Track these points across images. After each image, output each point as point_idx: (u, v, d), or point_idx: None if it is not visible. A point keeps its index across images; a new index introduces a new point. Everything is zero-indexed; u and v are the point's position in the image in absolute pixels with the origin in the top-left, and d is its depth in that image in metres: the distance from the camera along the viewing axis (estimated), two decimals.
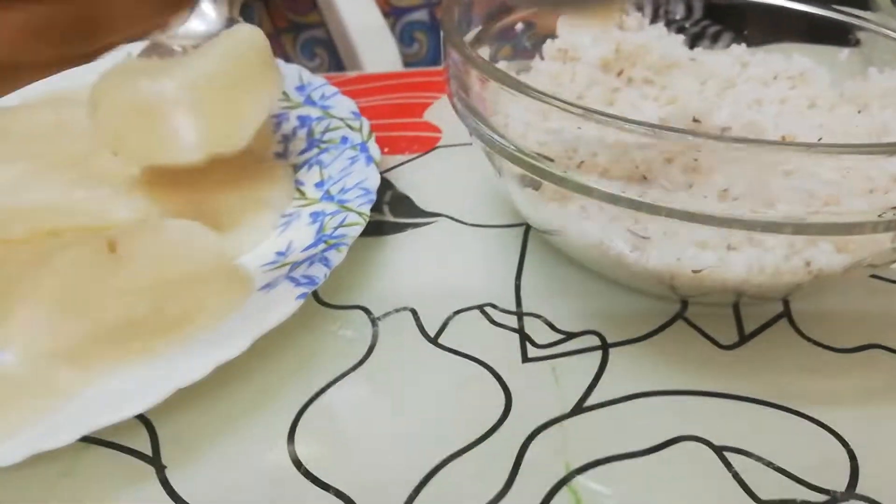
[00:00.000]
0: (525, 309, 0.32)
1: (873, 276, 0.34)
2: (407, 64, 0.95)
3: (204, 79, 0.34)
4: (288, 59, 1.17)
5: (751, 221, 0.25)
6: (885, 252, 0.27)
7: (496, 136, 0.29)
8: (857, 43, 0.37)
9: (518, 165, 0.28)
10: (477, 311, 0.32)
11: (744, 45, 0.38)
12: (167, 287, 0.31)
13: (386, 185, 0.40)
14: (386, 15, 1.12)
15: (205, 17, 0.48)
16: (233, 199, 0.35)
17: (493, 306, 0.32)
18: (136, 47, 0.45)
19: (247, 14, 1.10)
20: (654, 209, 0.25)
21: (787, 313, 0.32)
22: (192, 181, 0.36)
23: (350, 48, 0.81)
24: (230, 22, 0.44)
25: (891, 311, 0.32)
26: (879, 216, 0.25)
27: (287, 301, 0.28)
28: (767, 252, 0.26)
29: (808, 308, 0.32)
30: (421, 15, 1.22)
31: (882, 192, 0.27)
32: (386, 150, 0.43)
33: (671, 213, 0.25)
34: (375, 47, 0.78)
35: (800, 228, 0.25)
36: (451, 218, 0.38)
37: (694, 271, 0.27)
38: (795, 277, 0.27)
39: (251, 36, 0.37)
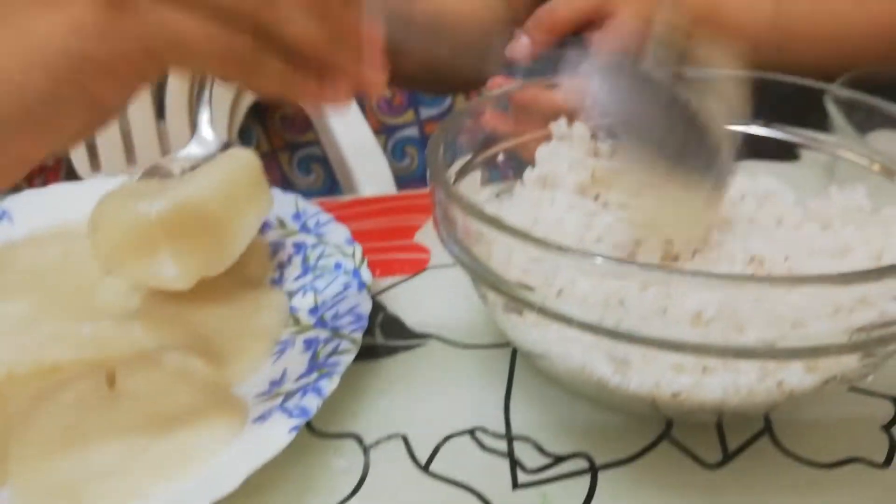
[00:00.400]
0: (514, 432, 0.33)
1: (852, 390, 0.35)
2: (399, 177, 0.99)
3: (194, 203, 0.37)
4: (284, 176, 1.22)
5: (723, 348, 0.26)
6: (854, 370, 0.29)
7: (478, 266, 0.30)
8: (813, 161, 0.40)
9: (499, 294, 0.29)
10: (467, 436, 0.33)
11: None
12: (164, 421, 0.32)
13: (378, 307, 0.42)
14: (378, 132, 1.18)
15: (203, 142, 0.50)
16: (229, 329, 0.36)
17: (484, 430, 0.33)
18: (137, 171, 0.47)
19: (245, 135, 1.16)
20: (631, 338, 0.27)
21: (768, 429, 0.33)
22: (190, 311, 0.38)
23: (344, 166, 0.85)
24: (226, 146, 0.47)
25: (870, 423, 0.33)
26: (849, 338, 0.26)
27: (280, 434, 0.29)
28: (741, 374, 0.28)
29: (789, 423, 0.33)
30: (412, 131, 1.28)
31: (847, 312, 0.28)
32: (378, 272, 0.45)
33: (647, 342, 0.26)
34: (368, 165, 0.82)
35: (771, 353, 0.26)
36: (442, 339, 0.39)
37: (673, 394, 0.28)
38: (769, 397, 0.28)
39: (243, 160, 0.39)
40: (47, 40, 0.24)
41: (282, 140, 1.17)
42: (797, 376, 0.27)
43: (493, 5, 0.62)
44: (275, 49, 0.26)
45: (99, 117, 0.27)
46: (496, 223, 0.28)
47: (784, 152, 0.40)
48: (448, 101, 1.15)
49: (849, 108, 0.39)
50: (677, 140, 0.35)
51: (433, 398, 0.35)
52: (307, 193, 1.20)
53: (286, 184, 1.19)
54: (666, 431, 0.33)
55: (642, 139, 0.35)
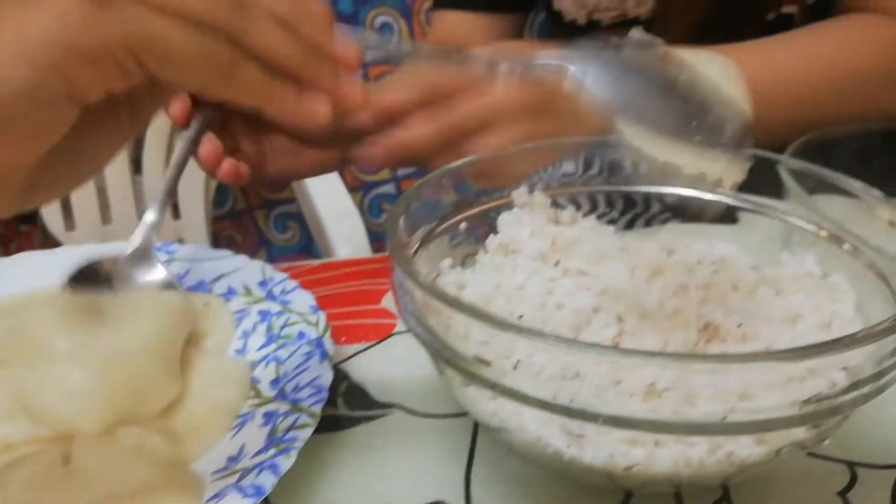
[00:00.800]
0: None
1: (809, 455, 0.35)
2: (375, 233, 0.99)
3: (117, 357, 0.36)
4: (261, 234, 1.22)
5: (673, 423, 0.26)
6: (805, 439, 0.29)
7: (434, 340, 0.30)
8: (768, 227, 0.41)
9: (454, 370, 0.30)
10: None
11: (668, 234, 0.41)
12: (119, 500, 0.31)
13: (342, 375, 0.42)
14: (355, 189, 1.19)
15: (148, 261, 0.43)
16: (188, 403, 0.36)
17: None
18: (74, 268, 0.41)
19: (222, 192, 1.16)
20: (584, 415, 0.27)
21: (726, 497, 0.33)
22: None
23: (319, 225, 0.85)
24: (169, 284, 0.42)
25: (826, 489, 0.33)
26: (798, 410, 0.27)
27: None
28: (692, 447, 0.28)
29: (747, 490, 0.33)
30: (388, 188, 1.29)
31: (798, 382, 0.29)
32: (343, 339, 0.45)
33: (600, 419, 0.27)
34: (342, 224, 0.83)
35: (720, 428, 0.26)
36: (405, 408, 0.39)
37: (626, 468, 0.28)
38: (720, 469, 0.28)
39: (173, 311, 0.39)
40: (32, 32, 0.25)
41: (258, 197, 1.18)
42: (747, 448, 0.28)
43: None
44: (251, 59, 0.28)
45: (76, 115, 0.27)
46: (449, 300, 0.29)
47: (732, 217, 0.41)
48: None
49: (800, 175, 0.40)
50: (678, 119, 0.35)
51: (394, 471, 0.35)
52: (284, 251, 1.21)
53: (263, 241, 1.20)
54: (624, 502, 0.33)
55: (644, 123, 0.34)
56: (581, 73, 0.35)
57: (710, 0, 0.65)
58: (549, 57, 0.36)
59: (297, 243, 1.20)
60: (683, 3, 0.67)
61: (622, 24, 0.73)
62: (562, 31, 0.78)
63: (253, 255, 1.18)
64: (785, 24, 0.31)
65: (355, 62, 0.31)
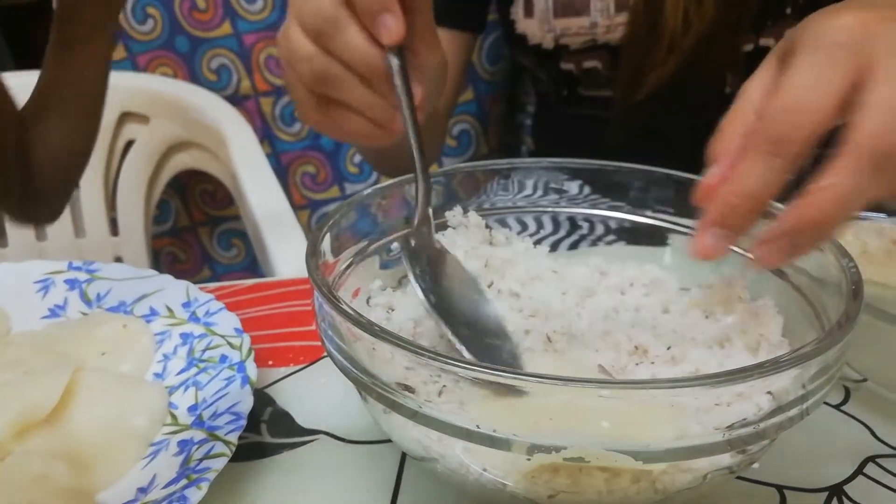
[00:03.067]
0: None
1: (739, 478, 0.35)
2: None
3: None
4: (204, 251, 1.19)
5: (597, 452, 0.25)
6: (730, 465, 0.29)
7: (352, 368, 0.29)
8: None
9: (374, 398, 0.28)
10: None
11: (601, 258, 0.41)
12: None
13: (266, 400, 0.40)
14: (303, 207, 1.17)
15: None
16: (99, 431, 0.34)
17: None
18: None
19: (164, 208, 1.13)
20: (508, 445, 0.26)
21: None
22: (59, 412, 0.35)
23: (262, 244, 0.83)
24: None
25: None
26: (723, 436, 0.26)
27: None
28: (616, 475, 0.27)
29: None
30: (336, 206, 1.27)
31: (724, 406, 0.28)
32: (271, 363, 0.43)
33: (524, 448, 0.26)
34: (283, 242, 0.81)
35: (645, 456, 0.26)
36: (331, 435, 0.38)
37: (549, 497, 0.27)
38: (644, 497, 0.27)
39: None
40: None
41: (202, 213, 1.15)
42: (669, 476, 0.27)
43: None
44: None
45: None
46: (363, 324, 0.28)
47: (663, 239, 0.41)
48: (373, 177, 1.16)
49: None
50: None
51: (318, 499, 0.34)
52: (228, 269, 1.18)
53: (206, 259, 1.16)
54: None
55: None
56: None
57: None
58: None
59: (243, 260, 1.17)
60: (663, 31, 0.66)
61: (591, 50, 0.73)
62: (525, 54, 0.78)
63: (196, 273, 1.15)
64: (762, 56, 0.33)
65: None
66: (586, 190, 0.44)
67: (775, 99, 0.29)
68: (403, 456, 0.36)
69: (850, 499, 0.34)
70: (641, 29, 0.68)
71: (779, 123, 0.29)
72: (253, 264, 1.14)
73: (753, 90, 0.31)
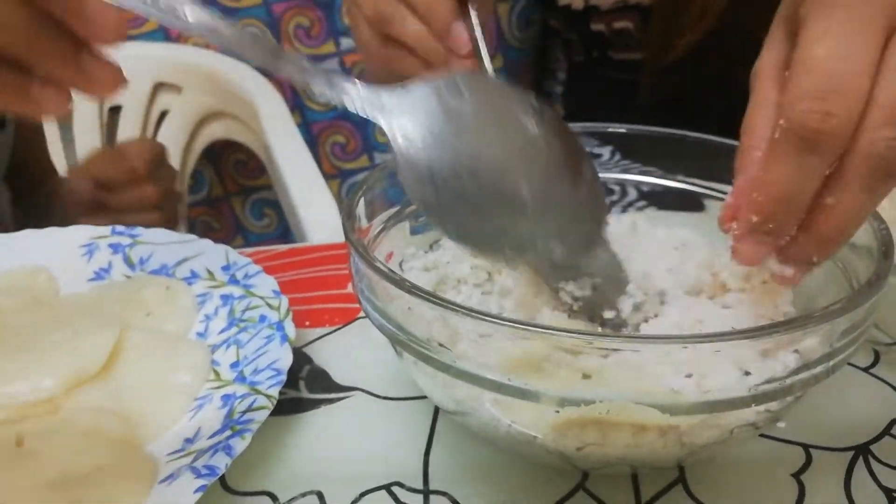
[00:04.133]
0: (432, 486, 0.33)
1: (764, 436, 0.35)
2: None
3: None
4: (237, 221, 1.21)
5: (624, 404, 0.26)
6: (755, 421, 0.29)
7: (389, 325, 0.30)
8: None
9: (409, 354, 0.29)
10: (384, 492, 0.33)
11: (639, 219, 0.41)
12: (71, 482, 0.31)
13: (304, 359, 0.41)
14: (333, 176, 1.18)
15: None
16: (146, 386, 0.36)
17: (401, 485, 0.33)
18: None
19: (198, 178, 1.15)
20: (536, 397, 0.27)
21: (682, 478, 0.33)
22: (107, 368, 0.37)
23: (294, 213, 0.84)
24: None
25: (781, 470, 0.34)
26: (748, 391, 0.27)
27: (186, 494, 0.28)
28: (643, 430, 0.28)
29: (703, 471, 0.33)
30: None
31: (750, 363, 0.29)
32: (308, 323, 0.45)
33: (553, 401, 0.26)
34: (316, 211, 0.82)
35: (671, 408, 0.26)
36: (367, 392, 0.39)
37: (578, 448, 0.28)
38: (673, 450, 0.28)
39: None
40: None
41: (235, 184, 1.17)
42: (697, 430, 0.28)
43: None
44: None
45: None
46: (400, 283, 0.29)
47: (692, 203, 0.41)
48: None
49: None
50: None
51: (353, 453, 0.35)
52: (260, 237, 1.20)
53: (239, 228, 1.19)
54: (581, 483, 0.33)
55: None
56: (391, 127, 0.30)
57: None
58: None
59: (275, 230, 1.19)
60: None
61: (621, 10, 0.72)
62: (555, 15, 0.77)
63: (229, 241, 1.17)
64: None
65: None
66: (617, 156, 0.44)
67: (795, 83, 0.24)
68: (436, 411, 0.37)
69: (876, 458, 0.35)
70: None
71: (804, 114, 0.24)
72: (285, 233, 1.16)
73: (767, 73, 0.27)
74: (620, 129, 0.43)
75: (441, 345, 0.29)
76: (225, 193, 1.16)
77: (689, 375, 0.27)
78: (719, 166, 0.40)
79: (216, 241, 0.46)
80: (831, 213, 0.26)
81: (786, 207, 0.26)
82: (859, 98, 0.24)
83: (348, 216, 0.34)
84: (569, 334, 0.26)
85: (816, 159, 0.25)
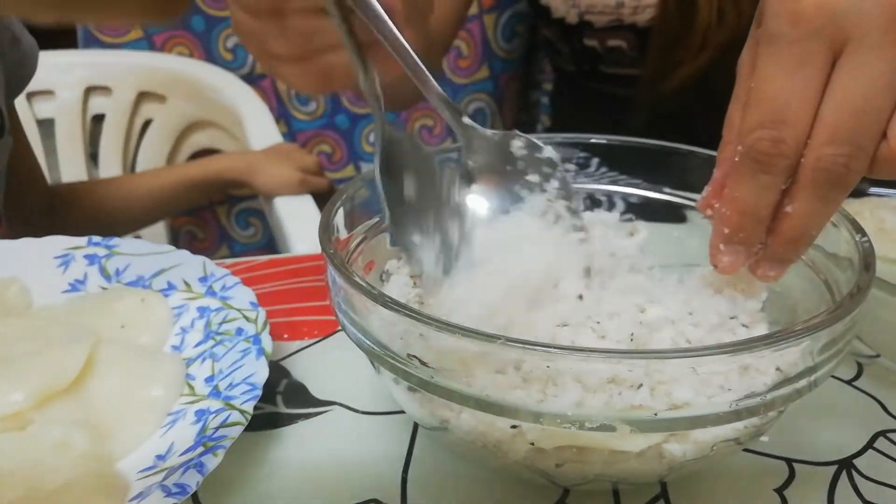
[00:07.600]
0: (410, 503, 0.32)
1: (747, 451, 0.35)
2: None
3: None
4: (223, 230, 1.20)
5: (608, 425, 0.26)
6: (737, 437, 0.29)
7: (366, 339, 0.30)
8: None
9: (386, 369, 0.29)
10: None
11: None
12: (41, 498, 0.30)
13: (282, 373, 0.41)
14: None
15: None
16: (118, 401, 0.35)
17: (379, 502, 0.32)
18: None
19: None
20: (516, 412, 0.26)
21: (664, 494, 0.32)
22: (79, 383, 0.36)
23: (278, 223, 0.84)
24: None
25: (764, 486, 0.33)
26: (729, 407, 0.27)
27: None
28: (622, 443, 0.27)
29: (684, 486, 0.33)
30: None
31: (736, 376, 0.28)
32: (286, 336, 0.44)
33: (529, 416, 0.26)
34: (299, 222, 0.81)
35: (651, 426, 0.26)
36: (345, 406, 0.38)
37: (557, 465, 0.28)
38: (650, 467, 0.28)
39: None
40: None
41: (220, 193, 1.16)
42: (679, 446, 0.27)
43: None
44: None
45: None
46: (375, 296, 0.28)
47: (674, 215, 0.41)
48: None
49: None
50: None
51: (330, 469, 0.34)
52: (246, 247, 1.19)
53: (224, 237, 1.18)
54: (562, 499, 0.32)
55: None
56: None
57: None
58: None
59: (260, 240, 1.18)
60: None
61: (616, 29, 0.71)
62: (547, 27, 0.77)
63: (214, 252, 1.16)
64: None
65: None
66: (603, 168, 0.44)
67: (749, 113, 0.27)
68: (416, 426, 0.36)
69: (859, 472, 0.34)
70: (673, 19, 0.67)
71: (757, 141, 0.27)
72: (270, 243, 1.15)
73: (748, 69, 0.29)
74: (604, 139, 0.42)
75: (419, 360, 0.29)
76: (209, 203, 1.15)
77: (668, 393, 0.26)
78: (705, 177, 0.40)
79: (201, 250, 0.46)
80: (792, 219, 0.28)
81: (750, 219, 0.29)
82: (805, 123, 0.27)
83: (325, 227, 0.33)
84: (563, 350, 0.25)
85: (770, 178, 0.28)
